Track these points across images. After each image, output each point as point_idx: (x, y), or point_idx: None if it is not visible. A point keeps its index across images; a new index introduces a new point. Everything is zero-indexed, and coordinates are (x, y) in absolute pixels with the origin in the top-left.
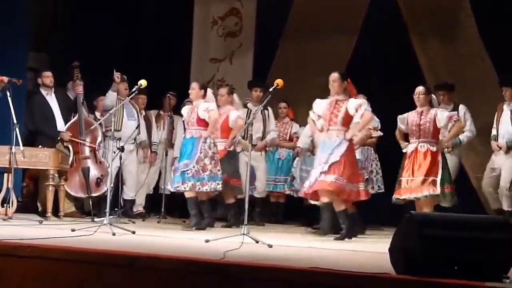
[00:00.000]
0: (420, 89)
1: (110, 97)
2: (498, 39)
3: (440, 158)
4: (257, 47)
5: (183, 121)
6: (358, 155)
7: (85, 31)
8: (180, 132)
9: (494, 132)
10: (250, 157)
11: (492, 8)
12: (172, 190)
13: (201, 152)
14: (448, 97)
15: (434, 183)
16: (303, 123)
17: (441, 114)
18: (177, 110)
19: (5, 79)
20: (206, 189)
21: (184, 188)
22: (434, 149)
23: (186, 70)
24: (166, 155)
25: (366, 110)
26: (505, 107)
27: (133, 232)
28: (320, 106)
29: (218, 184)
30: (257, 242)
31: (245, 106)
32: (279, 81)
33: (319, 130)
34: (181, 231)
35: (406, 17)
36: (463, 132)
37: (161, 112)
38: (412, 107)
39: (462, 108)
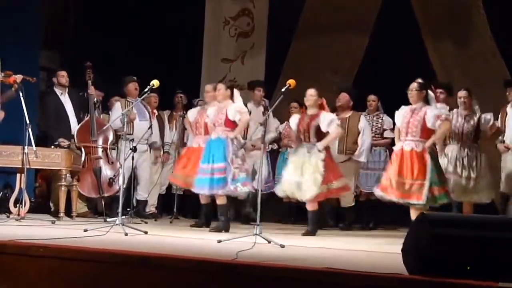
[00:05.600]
0: (413, 85)
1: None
2: (510, 38)
3: (428, 159)
4: (269, 47)
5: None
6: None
7: (96, 29)
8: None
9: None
10: (262, 157)
11: (504, 6)
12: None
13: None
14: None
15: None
16: None
17: (430, 113)
18: (188, 109)
19: (19, 78)
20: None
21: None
22: (420, 149)
23: (197, 70)
24: (179, 155)
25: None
26: (508, 109)
27: (146, 232)
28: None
29: None
30: (269, 242)
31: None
32: (291, 81)
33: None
34: (193, 231)
35: (418, 15)
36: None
37: (174, 112)
38: None
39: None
